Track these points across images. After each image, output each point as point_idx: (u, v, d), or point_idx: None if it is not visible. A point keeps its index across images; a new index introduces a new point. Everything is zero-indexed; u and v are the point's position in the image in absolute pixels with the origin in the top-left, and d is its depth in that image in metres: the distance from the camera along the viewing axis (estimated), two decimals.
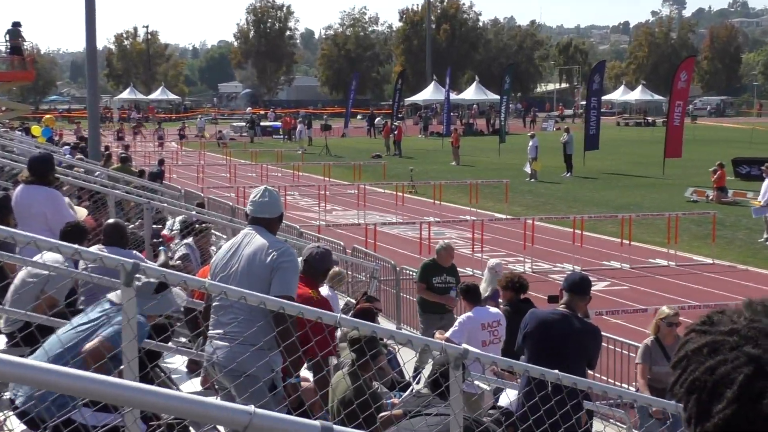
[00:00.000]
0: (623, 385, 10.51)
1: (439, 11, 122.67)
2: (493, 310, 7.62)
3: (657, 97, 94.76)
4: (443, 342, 4.47)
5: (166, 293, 5.82)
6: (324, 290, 8.20)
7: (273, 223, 6.34)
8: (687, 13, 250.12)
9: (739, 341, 1.47)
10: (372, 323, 5.94)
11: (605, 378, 10.53)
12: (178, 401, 2.28)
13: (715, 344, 1.49)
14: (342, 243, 17.36)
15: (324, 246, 8.22)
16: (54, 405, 4.61)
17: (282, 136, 68.97)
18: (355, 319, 4.59)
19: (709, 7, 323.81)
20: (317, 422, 2.19)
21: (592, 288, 7.54)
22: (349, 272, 15.49)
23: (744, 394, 1.43)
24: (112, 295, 5.71)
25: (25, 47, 38.43)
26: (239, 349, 5.67)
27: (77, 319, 5.70)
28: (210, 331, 6.12)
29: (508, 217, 25.90)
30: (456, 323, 9.77)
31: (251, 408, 2.20)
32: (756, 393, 1.42)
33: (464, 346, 4.51)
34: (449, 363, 4.50)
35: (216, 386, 6.36)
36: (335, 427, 2.23)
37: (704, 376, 1.47)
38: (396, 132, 54.83)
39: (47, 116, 49.81)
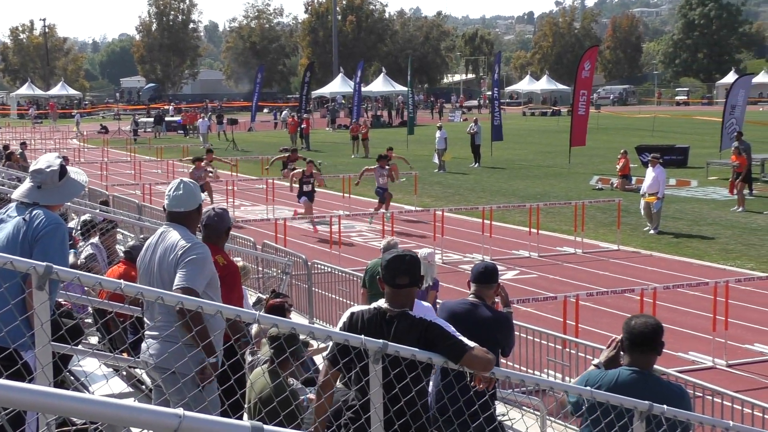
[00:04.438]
0: (536, 372, 10.71)
1: (344, 3, 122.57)
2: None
3: (561, 86, 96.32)
4: (362, 338, 4.50)
5: (68, 177, 5.76)
6: None
7: (190, 217, 6.27)
8: (590, 3, 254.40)
9: None
10: (291, 320, 5.94)
11: (518, 366, 10.70)
12: (102, 406, 2.26)
13: None
14: (252, 239, 17.27)
15: (219, 206, 8.13)
16: None
17: (187, 132, 68.03)
18: (275, 317, 4.59)
19: None
20: (247, 423, 2.20)
21: (501, 277, 7.64)
22: (260, 268, 15.44)
23: None
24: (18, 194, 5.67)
25: None
26: (166, 345, 5.64)
27: None
28: (146, 330, 6.11)
29: (417, 208, 26.08)
30: None
31: (180, 411, 2.19)
32: None
33: (382, 341, 4.55)
34: (369, 357, 4.54)
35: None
36: (266, 427, 2.24)
37: None
38: (304, 125, 54.61)
39: None
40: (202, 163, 25.98)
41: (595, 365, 5.81)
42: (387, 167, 25.28)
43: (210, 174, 26.87)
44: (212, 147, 37.11)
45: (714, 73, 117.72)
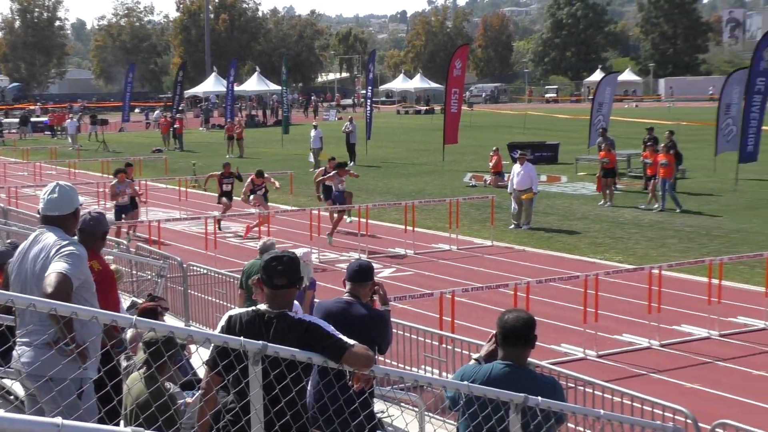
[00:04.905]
0: (413, 369, 10.83)
1: (217, 1, 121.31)
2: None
3: (435, 85, 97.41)
4: (242, 339, 4.49)
5: None
6: None
7: (67, 221, 6.11)
8: (461, 2, 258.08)
9: None
10: (168, 324, 5.87)
11: (395, 363, 10.80)
12: None
13: None
14: (125, 242, 16.95)
15: (95, 209, 7.96)
16: None
17: (54, 133, 66.18)
18: (153, 320, 4.54)
19: None
20: (128, 429, 2.18)
21: (378, 275, 7.72)
22: (134, 271, 15.18)
23: None
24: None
25: None
26: (40, 352, 5.50)
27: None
28: (18, 337, 5.92)
29: (294, 208, 26.03)
30: None
31: (58, 420, 2.16)
32: None
33: (261, 342, 4.56)
34: (248, 359, 4.54)
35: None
36: None
37: None
38: (177, 125, 53.79)
39: None
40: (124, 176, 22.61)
41: (475, 359, 5.91)
42: (344, 177, 23.81)
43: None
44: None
45: (582, 71, 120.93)
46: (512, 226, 23.67)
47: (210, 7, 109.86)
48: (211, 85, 77.28)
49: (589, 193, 29.96)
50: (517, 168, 23.78)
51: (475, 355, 6.12)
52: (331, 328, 5.22)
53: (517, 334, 5.59)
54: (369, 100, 48.18)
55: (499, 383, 5.39)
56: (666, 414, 8.43)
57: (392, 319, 7.99)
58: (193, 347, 8.58)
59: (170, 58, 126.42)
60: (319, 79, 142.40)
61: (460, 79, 40.22)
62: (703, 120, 46.52)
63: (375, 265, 7.98)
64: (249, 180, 23.88)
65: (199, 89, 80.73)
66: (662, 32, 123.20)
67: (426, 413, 8.63)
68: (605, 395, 9.12)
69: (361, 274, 7.29)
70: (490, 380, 5.46)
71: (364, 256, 19.15)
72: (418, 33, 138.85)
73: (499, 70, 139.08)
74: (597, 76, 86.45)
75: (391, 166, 40.18)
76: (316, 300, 10.32)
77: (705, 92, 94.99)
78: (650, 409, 8.60)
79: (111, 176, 35.33)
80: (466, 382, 5.36)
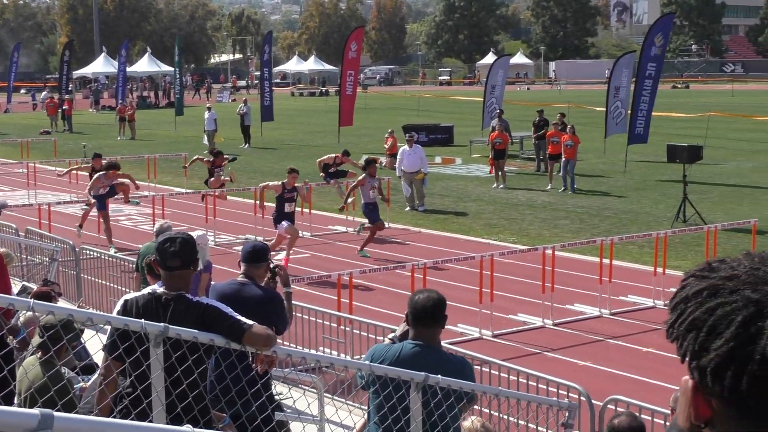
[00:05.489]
0: (312, 350, 10.85)
1: None
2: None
3: (329, 66, 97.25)
4: (143, 322, 4.45)
5: None
6: None
7: None
8: None
9: (738, 285, 1.56)
10: (67, 307, 5.77)
11: (294, 345, 10.80)
12: None
13: (715, 288, 1.58)
14: (14, 225, 16.52)
15: None
16: None
17: None
18: (50, 304, 4.46)
19: None
20: (36, 411, 2.15)
21: (276, 257, 7.71)
22: (24, 255, 14.83)
23: (741, 334, 1.51)
24: None
25: None
26: None
27: None
28: None
29: (188, 191, 25.69)
30: None
31: (36, 411, 2.11)
32: (753, 333, 1.51)
33: (163, 324, 4.52)
34: (149, 341, 4.49)
35: None
36: (56, 414, 2.20)
37: (704, 315, 1.56)
38: (65, 107, 52.48)
39: None
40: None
41: (390, 339, 5.97)
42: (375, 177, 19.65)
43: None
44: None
45: (474, 54, 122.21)
46: (407, 208, 23.83)
47: None
48: (101, 65, 75.62)
49: (483, 175, 30.34)
50: (407, 150, 23.93)
51: (390, 335, 6.18)
52: (229, 310, 5.21)
53: (427, 314, 5.65)
54: (267, 82, 47.67)
55: (408, 363, 5.45)
56: (560, 391, 8.65)
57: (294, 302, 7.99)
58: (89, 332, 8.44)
59: (57, 37, 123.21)
60: (212, 61, 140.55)
61: (355, 61, 40.21)
62: (592, 103, 47.53)
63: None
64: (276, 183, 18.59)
65: (87, 70, 78.92)
66: (552, 16, 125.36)
67: (326, 395, 8.66)
68: (501, 374, 9.29)
69: (255, 256, 7.28)
70: (399, 360, 5.52)
71: (260, 238, 19.04)
72: (312, 15, 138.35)
73: (393, 53, 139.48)
74: (489, 59, 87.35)
75: (286, 149, 40.00)
76: (213, 282, 10.25)
77: (594, 76, 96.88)
78: (545, 386, 8.81)
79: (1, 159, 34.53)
80: (368, 362, 5.41)
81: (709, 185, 27.10)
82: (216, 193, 21.61)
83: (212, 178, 22.29)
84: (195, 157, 24.16)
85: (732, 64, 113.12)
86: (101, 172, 19.45)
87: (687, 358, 1.60)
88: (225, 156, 23.37)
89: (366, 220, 19.40)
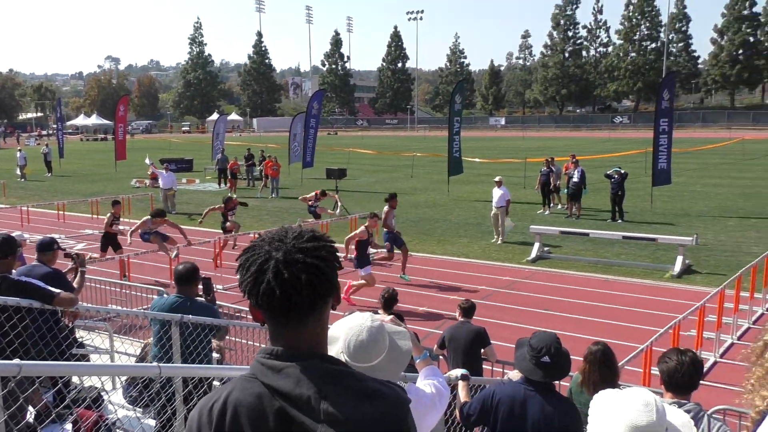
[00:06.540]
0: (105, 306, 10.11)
1: None
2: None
3: (107, 121, 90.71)
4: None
5: None
6: None
7: None
8: (122, 66, 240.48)
9: (263, 244, 1.66)
10: None
11: (90, 304, 10.00)
12: None
13: (254, 246, 1.68)
14: None
15: None
16: None
17: None
18: None
19: (137, 63, 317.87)
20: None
21: (73, 248, 7.09)
22: None
23: (258, 272, 1.61)
24: None
25: None
26: None
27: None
28: None
29: (7, 206, 22.89)
30: None
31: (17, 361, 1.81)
32: (264, 269, 1.61)
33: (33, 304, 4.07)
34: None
35: None
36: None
37: (245, 261, 1.65)
38: None
39: None
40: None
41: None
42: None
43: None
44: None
45: (205, 113, 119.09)
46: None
47: None
48: None
49: (215, 189, 29.64)
50: (164, 174, 23.33)
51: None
52: (42, 284, 4.85)
53: (182, 277, 5.51)
54: (61, 132, 43.94)
55: (171, 309, 5.34)
56: None
57: (88, 276, 7.44)
58: None
59: None
60: (20, 117, 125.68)
61: (123, 117, 38.09)
62: (284, 143, 47.70)
63: (62, 238, 7.33)
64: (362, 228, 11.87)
65: None
66: (254, 89, 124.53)
67: (114, 334, 8.17)
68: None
69: (41, 246, 6.13)
70: (165, 307, 5.39)
71: (63, 237, 17.34)
72: (93, 86, 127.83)
73: (150, 112, 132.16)
74: (215, 116, 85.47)
75: (79, 176, 36.76)
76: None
77: (281, 126, 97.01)
78: None
79: None
80: (143, 309, 5.20)
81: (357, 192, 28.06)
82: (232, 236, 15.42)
83: (228, 223, 15.48)
84: (207, 209, 15.41)
85: (362, 120, 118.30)
86: (147, 217, 13.19)
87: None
88: (237, 200, 15.93)
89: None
